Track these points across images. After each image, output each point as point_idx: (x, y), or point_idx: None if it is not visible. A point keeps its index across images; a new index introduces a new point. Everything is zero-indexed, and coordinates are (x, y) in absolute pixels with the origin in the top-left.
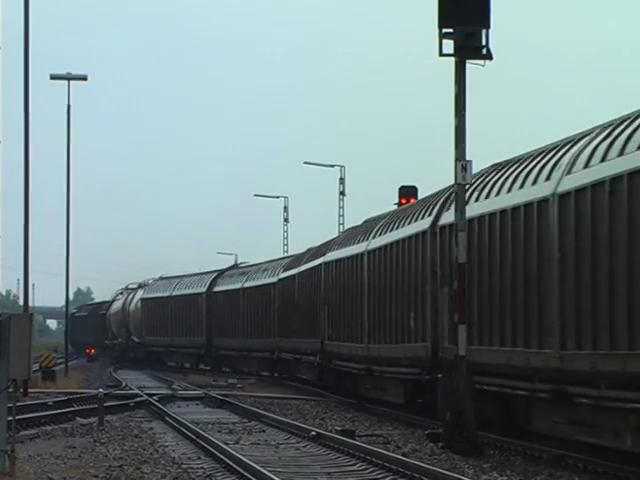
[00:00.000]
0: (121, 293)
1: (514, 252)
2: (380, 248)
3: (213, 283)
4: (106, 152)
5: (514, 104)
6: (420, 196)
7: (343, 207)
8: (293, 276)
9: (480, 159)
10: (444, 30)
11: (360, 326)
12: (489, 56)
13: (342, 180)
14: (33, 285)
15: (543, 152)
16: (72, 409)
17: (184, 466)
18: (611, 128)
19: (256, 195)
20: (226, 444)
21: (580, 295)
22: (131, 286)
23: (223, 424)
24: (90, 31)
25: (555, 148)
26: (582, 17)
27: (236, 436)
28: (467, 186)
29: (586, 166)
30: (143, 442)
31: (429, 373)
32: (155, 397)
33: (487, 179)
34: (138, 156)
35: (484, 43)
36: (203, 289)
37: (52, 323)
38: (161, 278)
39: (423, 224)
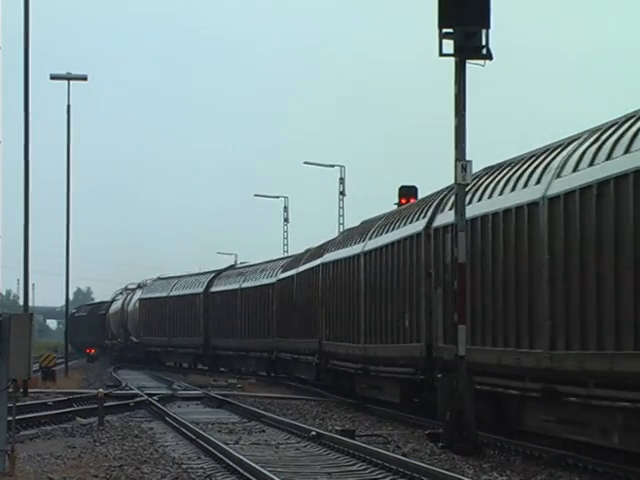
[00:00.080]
0: (120, 293)
1: (506, 254)
2: (376, 249)
3: (210, 283)
4: (106, 152)
5: (514, 104)
6: (420, 196)
7: (343, 207)
8: (292, 277)
9: (480, 159)
10: (444, 30)
11: (357, 326)
12: (489, 56)
13: (342, 180)
14: (33, 285)
15: (534, 155)
16: (72, 409)
17: (184, 466)
18: (599, 133)
19: (256, 195)
20: (226, 444)
21: (569, 296)
22: (130, 286)
23: (223, 424)
24: (90, 31)
25: (546, 152)
26: (582, 17)
27: (236, 436)
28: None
29: (575, 170)
30: (143, 442)
31: (424, 373)
32: (155, 397)
33: (480, 182)
34: (138, 156)
35: (484, 43)
36: (200, 289)
37: (52, 323)
38: (159, 278)
39: (417, 226)
